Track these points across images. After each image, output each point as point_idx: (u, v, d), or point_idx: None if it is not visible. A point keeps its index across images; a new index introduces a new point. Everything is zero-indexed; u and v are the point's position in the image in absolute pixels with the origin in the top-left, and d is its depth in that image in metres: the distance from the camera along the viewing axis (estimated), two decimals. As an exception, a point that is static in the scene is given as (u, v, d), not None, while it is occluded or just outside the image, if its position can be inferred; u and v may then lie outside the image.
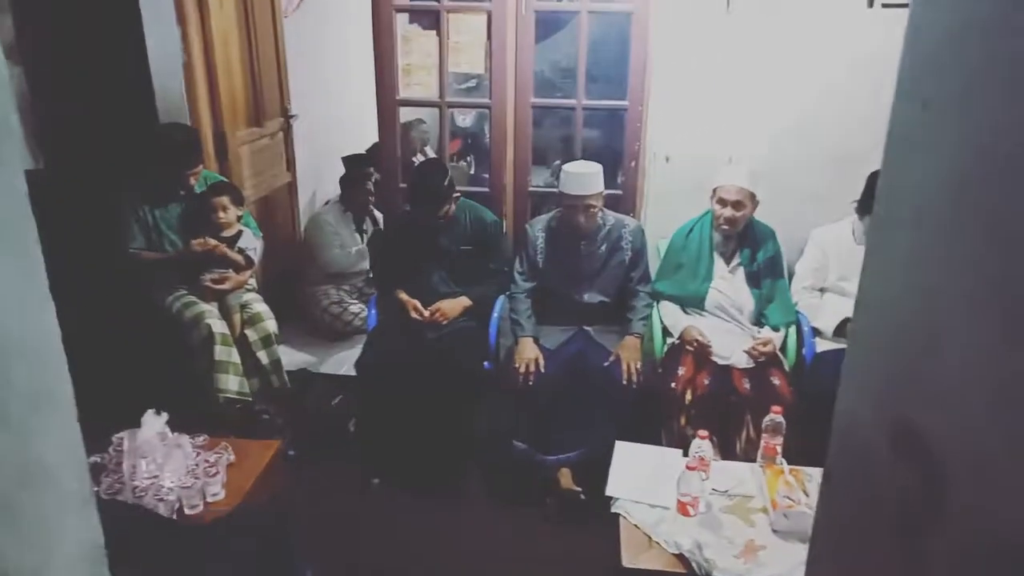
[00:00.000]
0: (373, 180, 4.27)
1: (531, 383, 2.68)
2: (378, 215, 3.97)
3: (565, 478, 2.64)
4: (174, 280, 2.94)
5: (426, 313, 2.85)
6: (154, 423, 2.11)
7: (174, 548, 1.52)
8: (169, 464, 2.08)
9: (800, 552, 1.87)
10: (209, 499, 2.08)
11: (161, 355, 2.86)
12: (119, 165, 2.93)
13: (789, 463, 2.15)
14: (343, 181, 3.93)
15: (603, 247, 2.85)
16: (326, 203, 4.02)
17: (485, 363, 2.86)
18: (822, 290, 2.91)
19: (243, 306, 2.97)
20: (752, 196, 2.71)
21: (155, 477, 2.05)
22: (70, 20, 2.95)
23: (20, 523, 0.65)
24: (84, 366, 0.92)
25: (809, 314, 2.84)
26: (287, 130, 3.99)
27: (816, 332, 2.81)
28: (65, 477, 0.72)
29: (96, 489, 1.84)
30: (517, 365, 2.72)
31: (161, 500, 2.01)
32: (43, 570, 0.67)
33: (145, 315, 2.91)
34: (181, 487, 2.05)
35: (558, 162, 4.31)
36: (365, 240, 3.92)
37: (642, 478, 2.16)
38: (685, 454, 2.21)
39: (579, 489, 2.58)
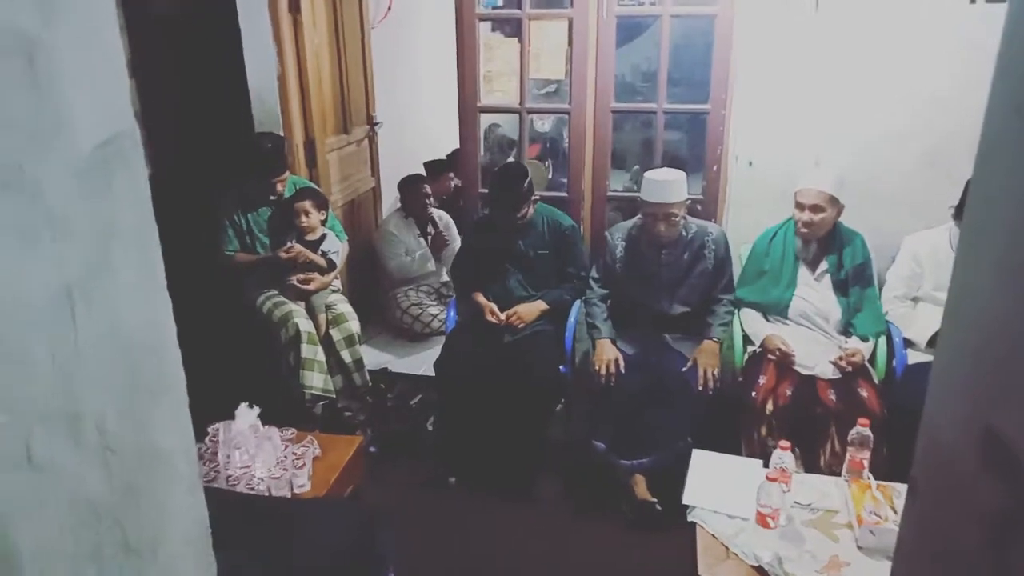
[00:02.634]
0: (453, 185, 4.37)
1: (612, 383, 2.67)
2: (438, 218, 4.03)
3: (640, 487, 2.62)
4: (264, 281, 3.09)
5: (503, 317, 2.89)
6: (247, 416, 2.23)
7: (264, 523, 1.61)
8: (260, 455, 2.20)
9: (887, 570, 1.80)
10: (296, 490, 2.18)
11: (252, 352, 3.02)
12: (218, 172, 3.12)
13: (876, 478, 2.07)
14: (401, 187, 4.00)
15: (685, 255, 2.80)
16: (398, 207, 4.11)
17: (561, 367, 2.88)
18: (915, 300, 2.78)
19: (328, 306, 3.09)
20: (833, 201, 2.62)
21: (247, 467, 2.17)
22: (178, 38, 3.16)
23: (140, 501, 0.72)
24: (185, 360, 1.00)
25: (901, 324, 2.72)
26: (372, 136, 4.13)
27: (908, 343, 2.69)
28: (178, 462, 0.78)
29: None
30: (597, 367, 2.72)
31: (252, 489, 2.12)
32: (159, 544, 0.74)
33: (238, 314, 3.07)
34: (271, 477, 2.16)
35: (637, 167, 4.29)
36: (429, 242, 4.00)
37: (720, 487, 2.12)
38: (765, 465, 2.16)
39: (654, 500, 2.56)
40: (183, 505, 0.79)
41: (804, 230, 2.66)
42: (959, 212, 2.62)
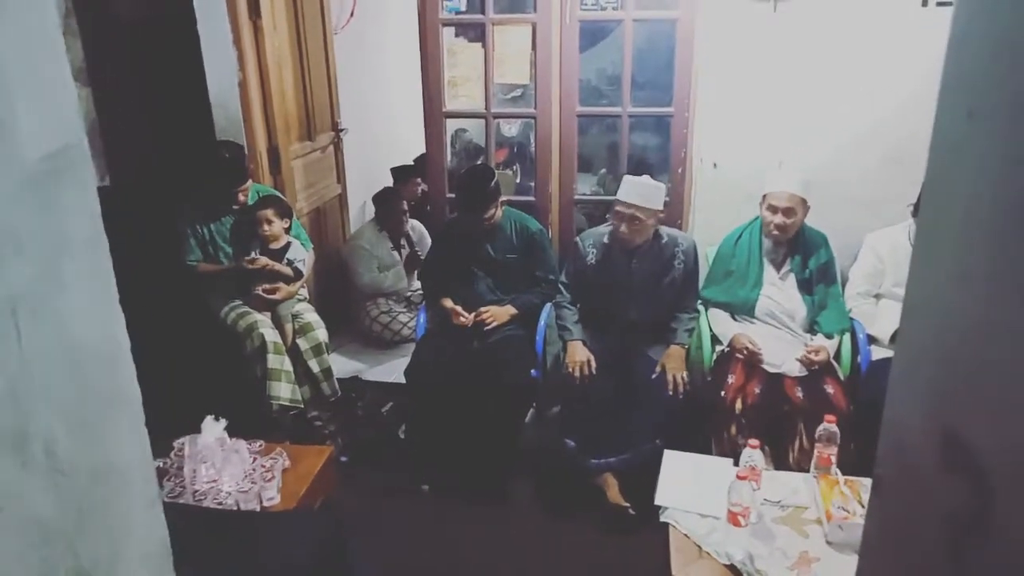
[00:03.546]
0: (420, 191, 4.34)
1: (585, 384, 2.67)
2: (412, 230, 4.01)
3: (612, 491, 2.62)
4: (229, 291, 3.04)
5: (470, 317, 2.88)
6: (213, 429, 2.19)
7: (231, 537, 1.57)
8: (227, 468, 2.15)
9: (855, 565, 1.83)
10: (265, 503, 2.14)
11: (217, 364, 2.96)
12: (178, 181, 3.06)
13: (844, 474, 2.10)
14: (376, 200, 3.97)
15: (656, 264, 2.81)
16: (372, 219, 4.07)
17: (533, 371, 2.87)
18: (877, 296, 2.83)
19: (294, 316, 3.05)
20: (803, 202, 2.67)
21: (214, 481, 2.13)
22: (134, 44, 3.09)
23: (94, 520, 0.69)
24: (146, 374, 0.97)
25: (864, 321, 2.77)
26: (337, 143, 4.09)
27: (872, 340, 2.74)
28: (135, 478, 0.76)
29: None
30: (571, 368, 2.72)
31: (220, 504, 2.08)
32: (115, 565, 0.72)
33: (202, 325, 3.02)
34: (239, 491, 2.12)
35: (604, 170, 4.31)
36: (403, 256, 3.96)
37: (692, 487, 2.14)
38: (736, 463, 2.18)
39: (627, 504, 2.57)
40: (141, 523, 0.76)
41: (776, 232, 2.70)
42: (917, 210, 2.68)
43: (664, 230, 2.83)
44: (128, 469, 0.75)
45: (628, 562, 2.44)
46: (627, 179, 2.74)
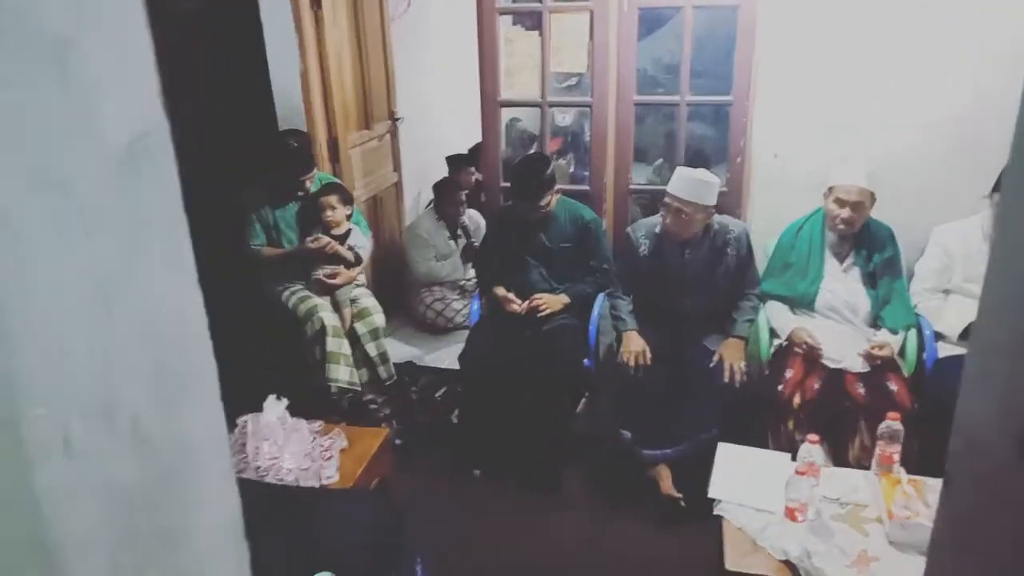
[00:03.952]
0: (474, 180, 4.37)
1: (641, 374, 2.66)
2: (469, 220, 4.04)
3: (666, 482, 2.61)
4: (291, 275, 3.12)
5: (524, 304, 2.89)
6: (275, 408, 2.26)
7: (292, 512, 1.63)
8: (288, 446, 2.22)
9: (918, 566, 1.77)
10: (324, 481, 2.21)
11: (278, 346, 3.05)
12: (243, 168, 3.15)
13: (907, 473, 2.04)
14: (436, 188, 4.01)
15: (708, 254, 2.76)
16: (429, 205, 4.12)
17: (586, 361, 2.87)
18: (945, 292, 2.73)
19: (353, 300, 3.12)
20: (871, 196, 2.59)
21: (276, 458, 2.20)
22: (200, 33, 3.19)
23: (174, 488, 0.73)
24: (215, 354, 1.01)
25: (931, 317, 2.68)
26: (394, 132, 4.14)
27: (939, 336, 2.65)
28: (210, 451, 0.79)
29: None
30: (625, 358, 2.70)
31: (281, 480, 2.15)
32: (193, 531, 0.75)
33: (264, 308, 3.11)
34: (299, 468, 2.19)
35: (660, 160, 4.25)
36: (460, 245, 4.00)
37: (747, 481, 2.11)
38: (793, 459, 2.14)
39: (679, 496, 2.55)
40: (216, 493, 0.80)
41: (842, 227, 2.62)
42: (996, 187, 2.55)
43: (715, 218, 2.75)
44: (205, 441, 0.78)
45: (678, 554, 2.43)
46: (679, 172, 2.68)
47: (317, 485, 2.18)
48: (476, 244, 3.96)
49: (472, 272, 3.93)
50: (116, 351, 0.66)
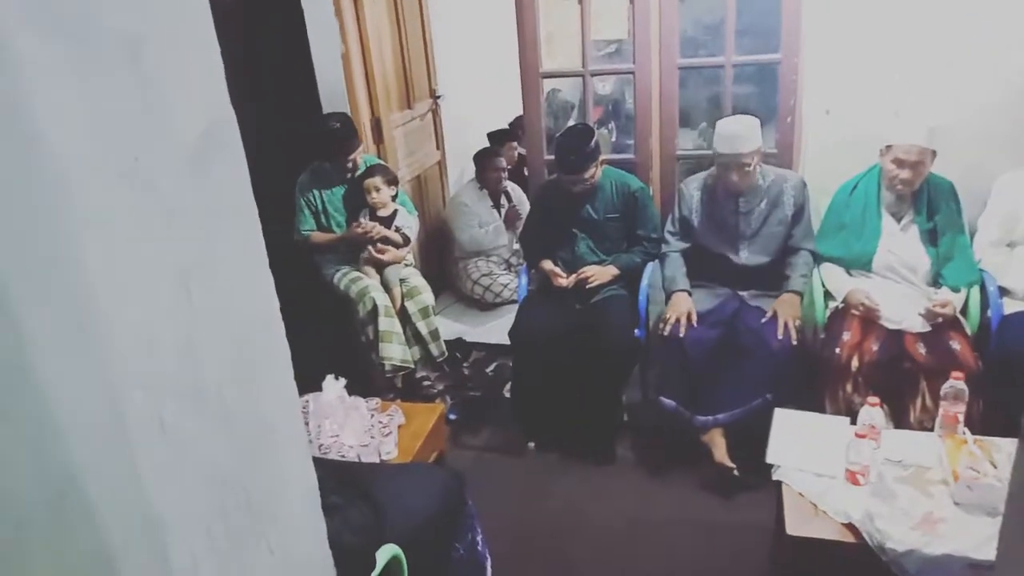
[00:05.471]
0: (516, 154, 4.36)
1: (682, 335, 2.64)
2: (511, 190, 4.04)
3: (720, 450, 2.59)
4: (340, 259, 3.17)
5: (570, 279, 2.89)
6: (334, 387, 2.32)
7: (361, 487, 1.68)
8: (348, 424, 2.29)
9: (987, 527, 1.74)
10: (384, 456, 2.27)
11: (332, 327, 3.12)
12: (290, 153, 3.20)
13: (972, 433, 2.00)
14: (477, 159, 4.02)
15: (763, 203, 2.74)
16: (472, 178, 4.14)
17: (636, 331, 2.86)
18: (1010, 245, 2.63)
19: (402, 280, 3.16)
20: (932, 154, 2.50)
21: (337, 436, 2.27)
22: (241, 19, 3.22)
23: (257, 461, 0.77)
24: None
25: (996, 273, 2.58)
26: (435, 110, 4.15)
27: (1004, 292, 2.56)
28: (287, 428, 0.83)
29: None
30: (668, 316, 2.68)
31: (343, 456, 2.22)
32: (276, 501, 0.79)
33: (317, 292, 3.18)
34: (360, 445, 2.25)
35: (704, 124, 4.17)
36: (503, 215, 4.01)
37: (805, 446, 2.09)
38: (852, 422, 2.11)
39: (732, 466, 2.53)
40: (295, 466, 0.84)
41: (901, 187, 2.54)
42: None
43: (770, 169, 2.78)
44: (283, 419, 0.82)
45: (736, 520, 2.43)
46: (720, 128, 2.67)
47: (378, 460, 2.24)
48: (519, 210, 3.97)
49: (516, 244, 3.95)
50: (199, 335, 0.69)
